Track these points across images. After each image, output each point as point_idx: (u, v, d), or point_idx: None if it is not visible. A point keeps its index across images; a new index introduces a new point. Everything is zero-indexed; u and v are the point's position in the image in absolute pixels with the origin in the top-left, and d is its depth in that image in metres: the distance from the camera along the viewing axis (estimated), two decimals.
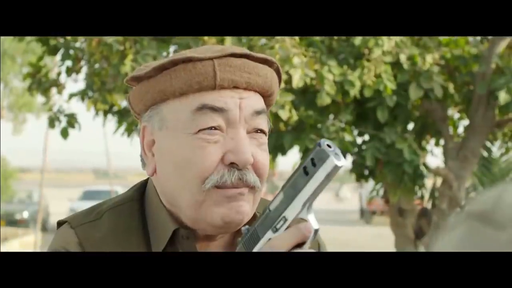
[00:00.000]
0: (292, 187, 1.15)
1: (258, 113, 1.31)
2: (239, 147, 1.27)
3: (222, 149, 1.28)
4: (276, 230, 1.17)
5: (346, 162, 1.11)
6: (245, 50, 1.32)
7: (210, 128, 1.27)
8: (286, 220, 1.16)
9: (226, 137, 1.28)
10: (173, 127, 1.30)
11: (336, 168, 1.10)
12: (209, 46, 1.35)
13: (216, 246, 1.36)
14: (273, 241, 1.17)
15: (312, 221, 1.16)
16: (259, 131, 1.32)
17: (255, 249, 1.19)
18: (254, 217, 1.34)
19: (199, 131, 1.27)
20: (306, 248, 1.16)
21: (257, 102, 1.32)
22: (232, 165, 1.27)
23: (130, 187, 1.45)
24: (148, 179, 1.41)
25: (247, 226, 1.22)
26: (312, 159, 1.11)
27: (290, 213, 1.16)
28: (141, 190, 1.41)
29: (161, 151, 1.32)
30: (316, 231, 1.16)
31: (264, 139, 1.33)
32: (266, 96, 1.35)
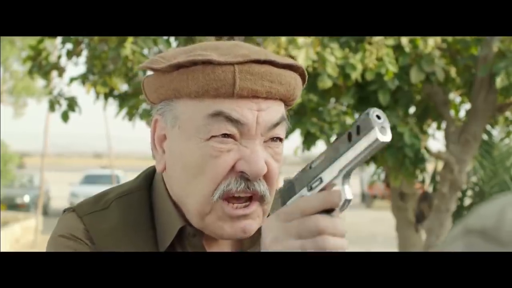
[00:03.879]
0: (334, 150, 1.08)
1: (276, 125, 1.26)
2: (253, 157, 1.23)
3: (235, 157, 1.24)
4: (311, 189, 1.12)
5: (390, 138, 1.02)
6: (269, 56, 1.25)
7: (223, 135, 1.23)
8: (321, 181, 1.10)
9: (240, 145, 1.24)
10: (186, 129, 1.25)
11: (377, 142, 1.02)
12: (233, 44, 1.28)
13: (223, 242, 1.34)
14: (301, 201, 1.11)
15: (346, 190, 1.09)
16: (275, 139, 1.28)
17: (289, 202, 1.14)
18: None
19: (211, 137, 1.23)
20: (335, 216, 1.11)
21: (276, 113, 1.26)
22: (243, 173, 1.24)
23: (138, 174, 1.42)
24: (154, 166, 1.38)
25: (288, 178, 1.16)
26: (358, 127, 1.04)
27: (327, 176, 1.10)
28: (149, 180, 1.38)
29: (172, 151, 1.29)
30: (347, 201, 1.10)
31: (280, 148, 1.28)
32: (288, 101, 1.30)
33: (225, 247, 1.35)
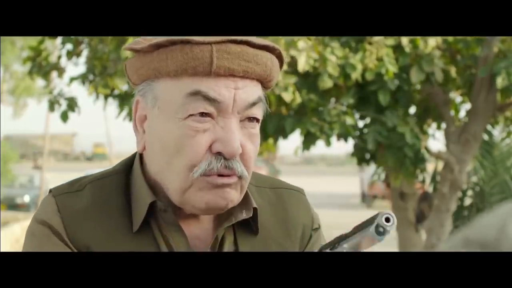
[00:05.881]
0: (354, 228, 1.17)
1: (253, 104, 1.29)
2: (228, 138, 1.26)
3: (211, 137, 1.27)
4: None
5: (383, 240, 1.11)
6: (245, 37, 1.28)
7: (201, 114, 1.26)
8: (338, 247, 1.20)
9: (216, 125, 1.27)
10: (164, 109, 1.29)
11: (370, 238, 1.12)
12: None
13: (196, 218, 1.36)
14: None
15: None
16: (252, 119, 1.30)
17: None
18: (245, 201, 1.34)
19: (189, 116, 1.26)
20: None
21: (253, 92, 1.29)
22: (219, 154, 1.26)
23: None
24: (136, 152, 1.40)
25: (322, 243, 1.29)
26: (368, 220, 1.13)
27: (340, 246, 1.19)
28: (129, 163, 1.40)
29: (151, 131, 1.32)
30: None
31: (256, 128, 1.31)
32: (265, 82, 1.33)
33: (204, 221, 1.36)
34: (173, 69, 1.26)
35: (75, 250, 1.29)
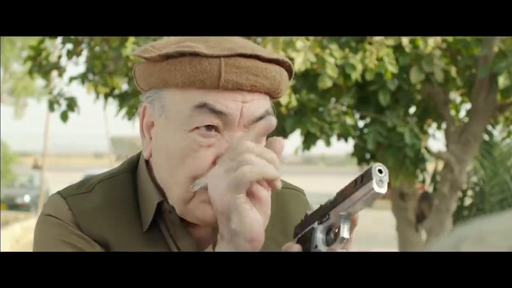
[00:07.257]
0: (343, 192, 1.20)
1: (259, 118, 1.29)
2: None
3: (216, 152, 1.26)
4: (320, 223, 1.24)
5: (385, 191, 1.14)
6: (255, 50, 1.28)
7: (207, 127, 1.26)
8: (329, 218, 1.23)
9: (221, 139, 1.26)
10: (171, 119, 1.28)
11: (373, 191, 1.13)
12: (220, 39, 1.31)
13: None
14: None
15: (345, 229, 1.20)
16: None
17: (304, 231, 1.27)
18: None
19: (195, 128, 1.26)
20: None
21: (260, 106, 1.29)
22: None
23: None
24: (141, 151, 1.40)
25: (307, 212, 1.31)
26: (362, 176, 1.15)
27: (332, 214, 1.22)
28: (135, 163, 1.41)
29: (157, 139, 1.32)
30: (343, 239, 1.21)
31: (262, 142, 1.31)
32: (273, 94, 1.33)
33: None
34: (181, 80, 1.26)
35: (91, 241, 1.30)
